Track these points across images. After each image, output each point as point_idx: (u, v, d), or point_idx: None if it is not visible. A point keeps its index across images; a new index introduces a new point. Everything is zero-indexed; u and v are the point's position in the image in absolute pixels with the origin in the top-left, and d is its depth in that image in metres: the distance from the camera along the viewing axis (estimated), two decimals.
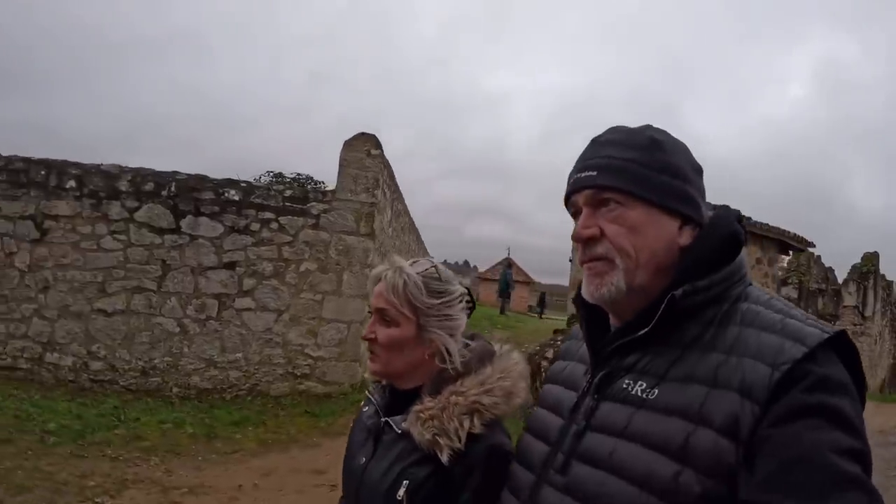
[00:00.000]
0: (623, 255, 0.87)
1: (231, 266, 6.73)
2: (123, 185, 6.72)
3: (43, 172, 6.77)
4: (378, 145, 6.94)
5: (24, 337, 6.69)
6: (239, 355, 6.72)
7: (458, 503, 1.03)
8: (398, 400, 1.16)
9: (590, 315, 0.98)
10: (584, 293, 0.93)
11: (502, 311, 17.72)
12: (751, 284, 0.89)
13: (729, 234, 0.88)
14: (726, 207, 0.93)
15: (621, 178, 0.88)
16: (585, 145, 0.98)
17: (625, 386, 0.86)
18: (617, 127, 0.97)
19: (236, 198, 6.75)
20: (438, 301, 1.13)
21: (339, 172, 6.90)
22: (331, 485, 5.17)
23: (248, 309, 6.74)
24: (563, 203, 1.00)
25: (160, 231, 6.67)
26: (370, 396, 1.24)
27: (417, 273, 1.13)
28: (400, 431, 1.09)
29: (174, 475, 5.25)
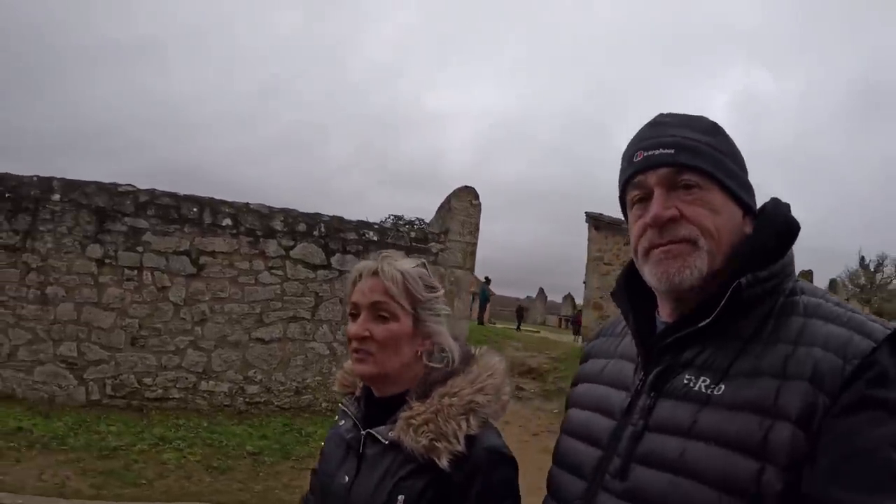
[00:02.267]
0: (707, 236, 0.77)
1: None
2: (278, 225, 6.92)
3: (195, 209, 6.61)
4: (477, 196, 8.28)
5: (178, 368, 6.43)
6: None
7: None
8: (376, 410, 1.03)
9: (635, 310, 0.88)
10: (659, 279, 0.80)
11: (480, 322, 18.76)
12: (798, 280, 0.80)
13: (785, 225, 0.81)
14: (777, 200, 0.85)
15: (702, 158, 0.79)
16: (646, 123, 0.87)
17: (686, 382, 0.76)
18: (671, 112, 0.87)
19: (374, 238, 7.47)
20: (433, 295, 1.05)
21: (450, 217, 8.07)
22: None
23: None
24: (618, 187, 0.88)
25: (314, 267, 7.04)
26: (345, 409, 1.10)
27: (411, 267, 1.04)
28: (387, 442, 0.97)
29: None
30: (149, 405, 6.34)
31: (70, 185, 6.31)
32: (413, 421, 0.95)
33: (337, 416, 1.14)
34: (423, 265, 1.08)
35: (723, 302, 0.74)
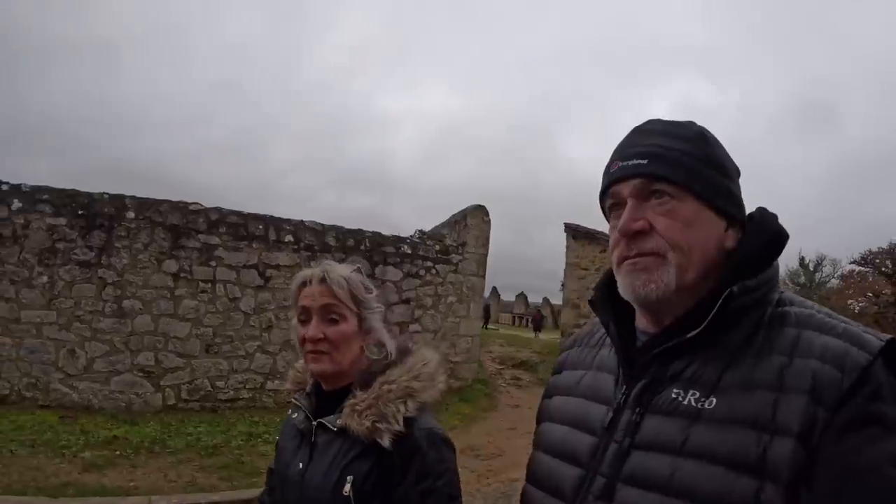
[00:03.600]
0: (676, 250, 0.72)
1: (407, 301, 8.13)
2: (331, 241, 7.43)
3: (261, 227, 6.95)
4: (487, 213, 9.24)
5: (247, 371, 6.77)
6: None
7: (401, 487, 0.98)
8: (325, 402, 1.11)
9: (616, 319, 0.83)
10: (626, 291, 0.76)
11: None
12: (783, 291, 0.76)
13: (775, 234, 0.76)
14: (764, 209, 0.80)
15: (675, 168, 0.74)
16: (625, 135, 0.82)
17: (674, 396, 0.70)
18: (657, 118, 0.82)
19: (408, 251, 8.22)
20: (370, 296, 1.12)
21: (466, 232, 8.97)
22: (526, 431, 7.68)
23: (417, 331, 8.23)
24: (598, 197, 0.83)
25: None
26: (297, 403, 1.16)
27: (350, 272, 1.10)
28: (335, 429, 1.04)
29: (480, 443, 6.86)
30: (221, 406, 6.67)
31: (143, 204, 6.43)
32: (357, 407, 1.01)
33: (290, 411, 1.19)
34: (359, 270, 1.14)
35: (713, 311, 0.69)
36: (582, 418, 0.81)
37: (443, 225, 9.65)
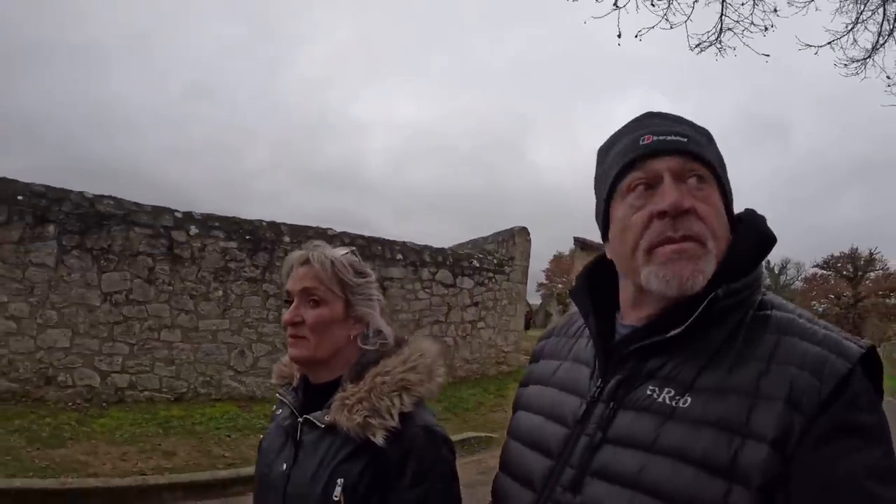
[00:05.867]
0: (714, 238, 0.68)
1: (476, 304, 9.66)
2: (427, 258, 8.80)
3: (379, 247, 8.20)
4: (529, 233, 10.91)
5: None
6: (477, 354, 9.77)
7: (397, 490, 0.87)
8: (313, 397, 1.00)
9: (596, 312, 0.79)
10: (664, 282, 0.68)
11: None
12: (765, 293, 0.72)
13: (762, 236, 0.73)
14: (753, 211, 0.76)
15: (712, 154, 0.70)
16: (636, 116, 0.77)
17: (649, 393, 0.68)
18: (662, 111, 0.76)
19: (477, 265, 9.77)
20: (363, 280, 1.02)
21: (514, 248, 10.62)
22: None
23: (482, 328, 9.84)
24: (605, 178, 0.76)
25: (447, 286, 9.06)
26: (281, 398, 1.05)
27: (341, 255, 1.01)
28: (323, 426, 0.93)
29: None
30: None
31: (295, 230, 7.52)
32: (348, 401, 0.91)
33: (275, 406, 1.10)
34: (354, 252, 1.05)
35: (697, 312, 0.66)
36: (555, 409, 0.79)
37: (487, 241, 11.24)
